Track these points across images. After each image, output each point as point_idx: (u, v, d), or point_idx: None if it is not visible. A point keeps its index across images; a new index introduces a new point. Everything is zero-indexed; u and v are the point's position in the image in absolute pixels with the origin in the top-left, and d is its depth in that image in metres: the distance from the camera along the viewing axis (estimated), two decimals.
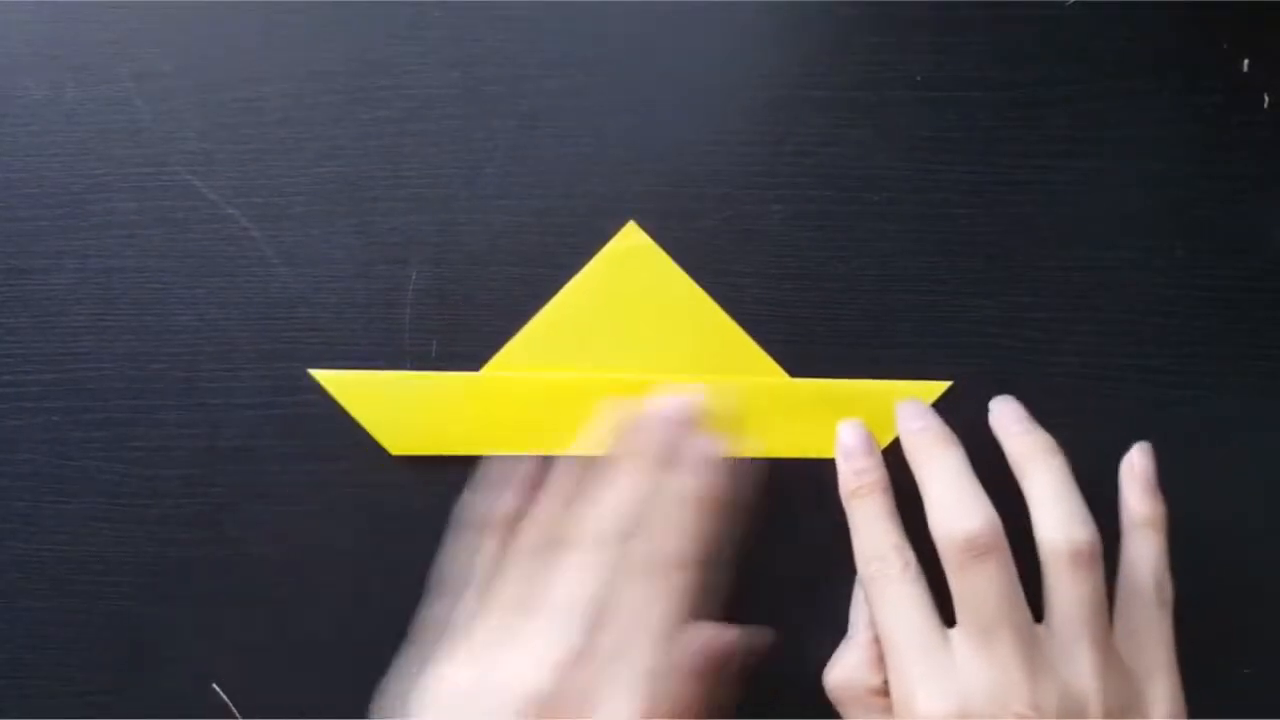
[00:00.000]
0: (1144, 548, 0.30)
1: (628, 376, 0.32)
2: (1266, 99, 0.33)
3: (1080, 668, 0.28)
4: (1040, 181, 0.33)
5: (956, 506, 0.29)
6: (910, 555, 0.30)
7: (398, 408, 0.32)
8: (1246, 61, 0.33)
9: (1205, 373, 0.33)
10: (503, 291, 0.33)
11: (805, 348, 0.33)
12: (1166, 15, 0.33)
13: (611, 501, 0.29)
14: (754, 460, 0.32)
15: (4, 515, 0.32)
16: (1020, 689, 0.27)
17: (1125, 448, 0.33)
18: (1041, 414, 0.32)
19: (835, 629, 0.32)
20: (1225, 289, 0.33)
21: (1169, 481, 0.33)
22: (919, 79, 0.33)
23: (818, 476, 0.32)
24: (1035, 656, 0.28)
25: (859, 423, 0.32)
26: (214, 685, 0.33)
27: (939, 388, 0.33)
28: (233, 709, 0.32)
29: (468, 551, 0.31)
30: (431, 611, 0.30)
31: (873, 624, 0.30)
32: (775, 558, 0.33)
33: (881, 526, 0.30)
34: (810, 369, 0.33)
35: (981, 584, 0.28)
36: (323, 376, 0.32)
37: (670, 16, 0.33)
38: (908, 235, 0.33)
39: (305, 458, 0.32)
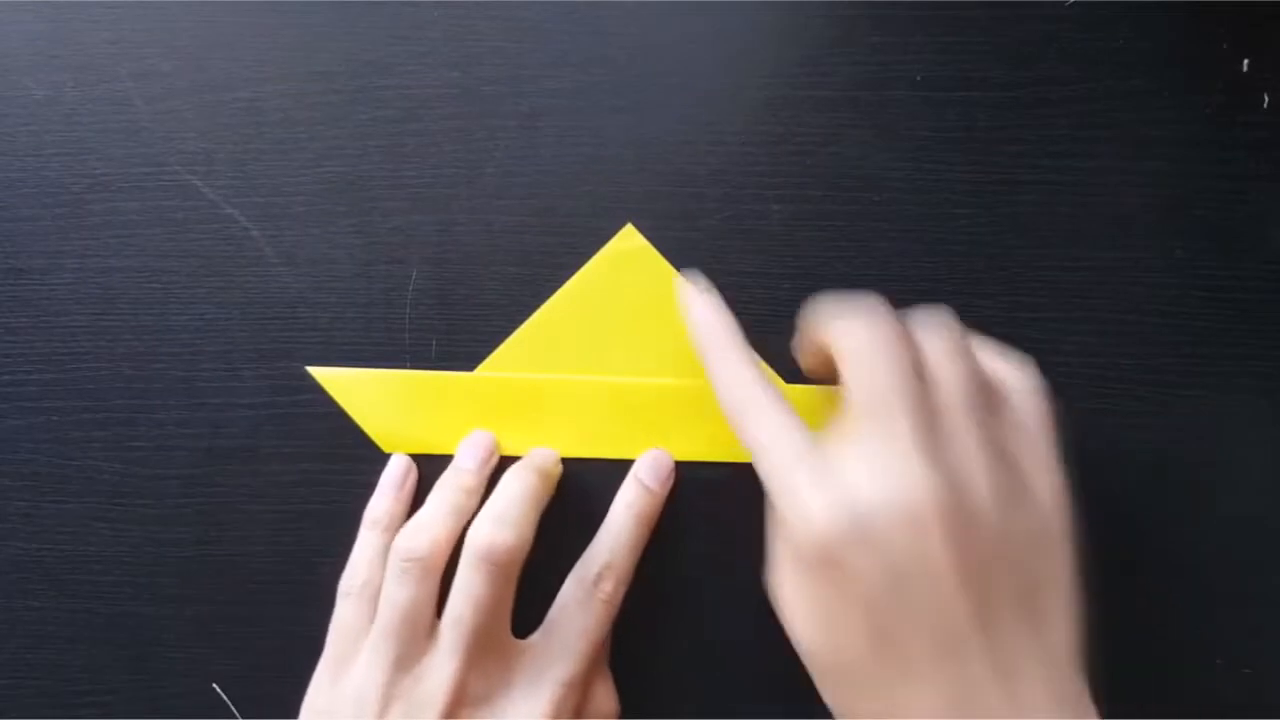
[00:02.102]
0: (983, 352, 0.28)
1: (620, 379, 0.32)
2: (1266, 99, 0.33)
3: (966, 442, 0.25)
4: (1040, 181, 0.33)
5: (861, 312, 0.27)
6: (774, 387, 0.27)
7: (392, 406, 0.32)
8: (1246, 61, 0.33)
9: (1205, 372, 0.33)
10: (502, 291, 0.33)
11: None
12: (1166, 15, 0.33)
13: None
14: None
15: (4, 515, 0.32)
16: (916, 473, 0.24)
17: (1126, 447, 0.33)
18: None
19: None
20: (1225, 289, 0.33)
21: (1170, 481, 0.33)
22: (919, 79, 0.33)
23: None
24: (930, 438, 0.25)
25: (694, 281, 0.30)
26: (214, 685, 0.33)
27: None
28: (233, 709, 0.32)
29: (356, 553, 0.31)
30: (335, 616, 0.31)
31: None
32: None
33: (741, 362, 0.28)
34: None
35: (883, 368, 0.25)
36: (319, 374, 0.32)
37: (670, 16, 0.33)
38: (908, 235, 0.33)
39: (305, 458, 0.32)
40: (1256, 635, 0.33)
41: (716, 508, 0.33)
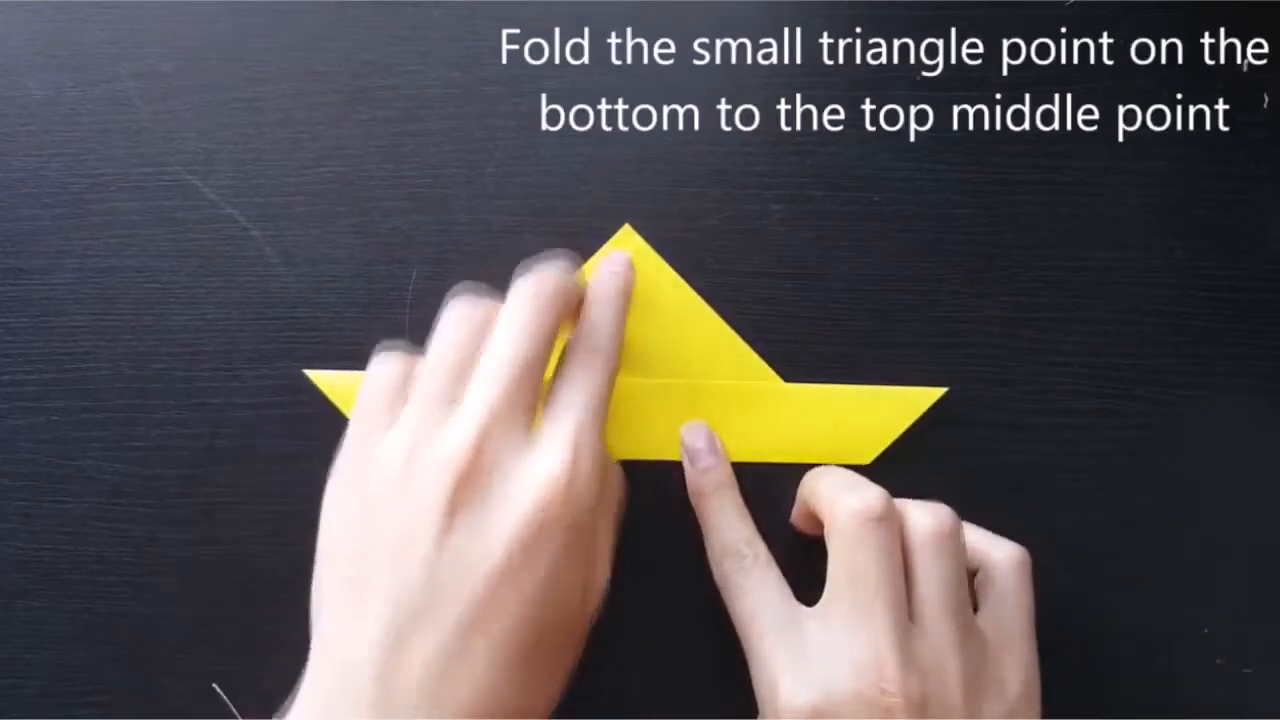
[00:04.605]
0: (973, 532, 0.30)
1: (618, 379, 0.32)
2: (1266, 99, 0.33)
3: (941, 640, 0.27)
4: (1040, 181, 0.33)
5: (852, 484, 0.29)
6: (762, 547, 0.29)
7: None
8: (1246, 62, 0.33)
9: (1205, 373, 0.33)
10: (503, 291, 0.33)
11: (805, 347, 0.33)
12: (1166, 15, 0.33)
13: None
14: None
15: (4, 515, 0.32)
16: (889, 668, 0.26)
17: (1126, 448, 0.33)
18: (1042, 414, 0.33)
19: None
20: (1225, 289, 0.33)
21: (1171, 482, 0.33)
22: (919, 79, 0.33)
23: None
24: (905, 634, 0.26)
25: (701, 423, 0.32)
26: (214, 685, 0.33)
27: (934, 394, 0.32)
28: (233, 709, 0.32)
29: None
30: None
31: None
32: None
33: (731, 522, 0.30)
34: (810, 369, 0.33)
35: (867, 553, 0.27)
36: (317, 377, 0.32)
37: (670, 16, 0.33)
38: (908, 235, 0.33)
39: (305, 458, 0.32)
40: (1256, 635, 0.33)
41: None
